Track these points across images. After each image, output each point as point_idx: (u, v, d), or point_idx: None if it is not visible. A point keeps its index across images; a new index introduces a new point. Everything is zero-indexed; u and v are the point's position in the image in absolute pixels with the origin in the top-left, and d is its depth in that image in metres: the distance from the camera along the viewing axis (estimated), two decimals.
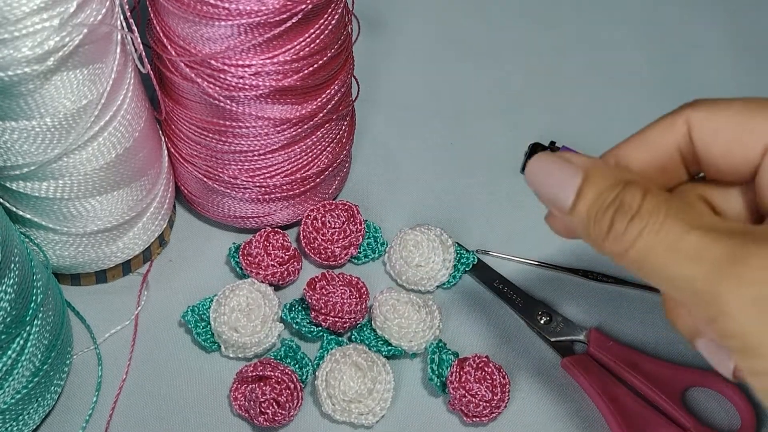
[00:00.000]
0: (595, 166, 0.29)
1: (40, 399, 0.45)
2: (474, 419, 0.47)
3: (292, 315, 0.50)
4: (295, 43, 0.45)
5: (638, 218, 0.27)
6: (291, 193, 0.52)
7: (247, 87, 0.45)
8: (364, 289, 0.50)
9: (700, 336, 0.30)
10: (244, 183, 0.51)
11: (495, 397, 0.47)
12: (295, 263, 0.52)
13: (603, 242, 0.28)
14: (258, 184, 0.51)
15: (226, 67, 0.45)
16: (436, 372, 0.48)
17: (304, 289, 0.50)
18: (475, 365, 0.48)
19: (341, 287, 0.50)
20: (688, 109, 0.30)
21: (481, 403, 0.46)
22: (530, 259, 0.55)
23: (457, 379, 0.47)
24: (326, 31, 0.46)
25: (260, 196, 0.52)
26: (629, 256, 0.27)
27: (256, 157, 0.50)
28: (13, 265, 0.40)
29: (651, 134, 0.31)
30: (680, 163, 0.31)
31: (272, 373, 0.46)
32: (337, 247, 0.53)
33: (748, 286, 0.24)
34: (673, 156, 0.31)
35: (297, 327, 0.50)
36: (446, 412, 0.48)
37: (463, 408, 0.47)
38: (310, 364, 0.49)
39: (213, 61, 0.45)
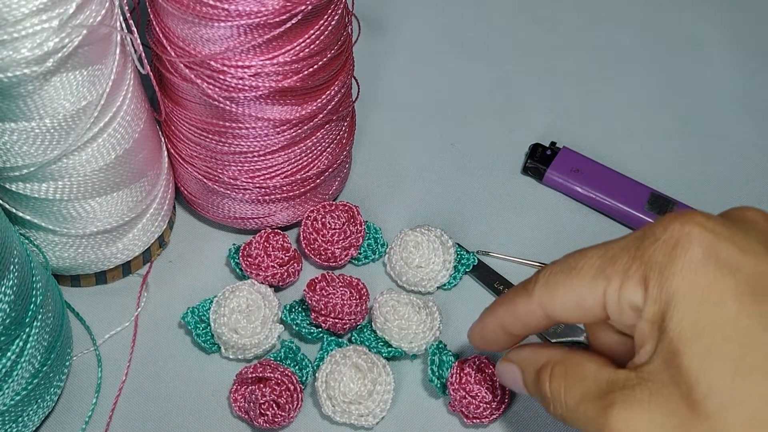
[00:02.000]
0: (522, 361, 0.39)
1: (39, 400, 0.45)
2: (474, 420, 0.47)
3: (292, 316, 0.50)
4: (295, 44, 0.45)
5: (555, 403, 0.35)
6: (291, 194, 0.52)
7: (246, 88, 0.45)
8: (365, 290, 0.50)
9: None
10: (244, 184, 0.51)
11: (495, 399, 0.47)
12: (295, 264, 0.52)
13: (559, 419, 0.35)
14: (258, 185, 0.51)
15: (225, 68, 0.45)
16: (437, 373, 0.48)
17: (304, 290, 0.50)
18: (475, 366, 0.47)
19: (341, 288, 0.50)
20: (536, 294, 0.36)
21: (481, 404, 0.46)
22: (530, 260, 0.54)
23: (457, 380, 0.47)
24: (326, 32, 0.46)
25: (260, 197, 0.52)
26: (557, 416, 0.35)
27: (256, 158, 0.50)
28: (12, 267, 0.40)
29: (516, 308, 0.38)
30: (544, 323, 0.37)
31: (272, 375, 0.46)
32: (337, 248, 0.53)
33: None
34: (537, 321, 0.37)
35: (297, 328, 0.50)
36: (446, 413, 0.48)
37: (463, 409, 0.47)
38: (310, 365, 0.49)
39: (213, 62, 0.45)
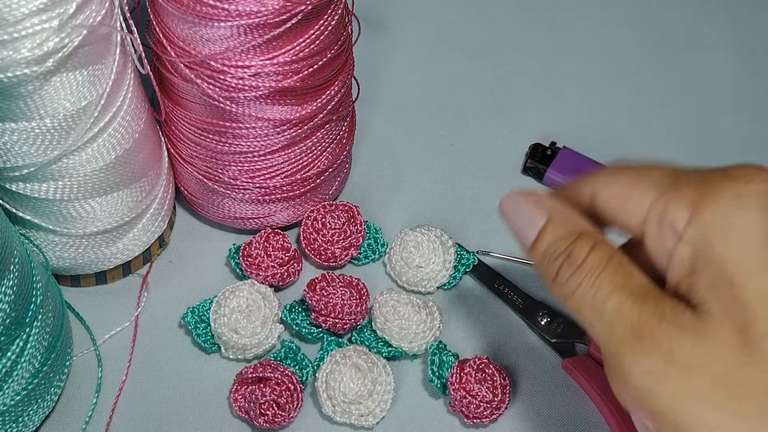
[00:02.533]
0: (557, 212, 0.33)
1: (39, 400, 0.45)
2: (474, 420, 0.47)
3: (292, 316, 0.50)
4: (295, 44, 0.45)
5: (578, 272, 0.31)
6: (291, 194, 0.52)
7: (246, 88, 0.45)
8: (365, 290, 0.50)
9: None
10: (244, 184, 0.51)
11: (495, 398, 0.47)
12: (295, 264, 0.52)
13: (549, 284, 0.32)
14: (258, 185, 0.51)
15: (225, 68, 0.45)
16: (437, 373, 0.48)
17: (304, 290, 0.50)
18: (475, 366, 0.47)
19: (341, 288, 0.50)
20: (593, 176, 0.34)
21: (481, 404, 0.46)
22: (531, 260, 0.54)
23: (457, 380, 0.47)
24: (326, 32, 0.46)
25: (260, 197, 0.52)
26: (567, 304, 0.31)
27: (256, 158, 0.50)
28: (12, 267, 0.40)
29: (579, 186, 0.34)
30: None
31: (272, 375, 0.46)
32: (338, 248, 0.53)
33: (644, 359, 0.28)
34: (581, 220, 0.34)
35: (297, 328, 0.50)
36: (447, 413, 0.48)
37: (463, 409, 0.47)
38: (310, 365, 0.49)
39: (212, 62, 0.45)
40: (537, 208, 0.33)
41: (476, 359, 0.48)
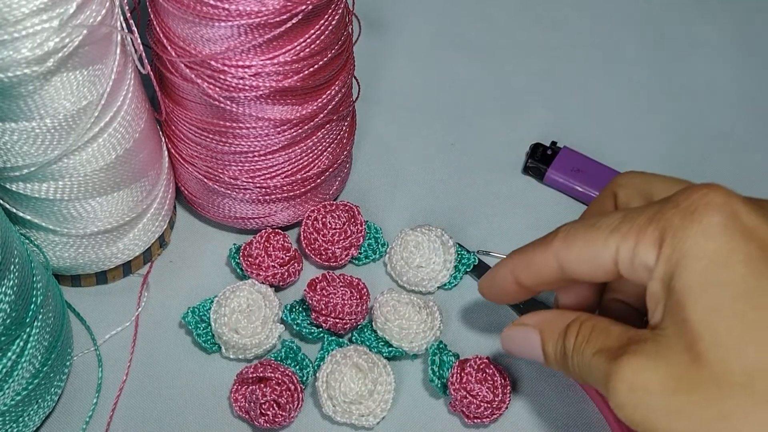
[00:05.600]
0: (544, 323, 0.38)
1: (40, 401, 0.45)
2: (475, 420, 0.47)
3: (292, 316, 0.50)
4: (296, 44, 0.45)
5: (575, 354, 0.36)
6: (291, 194, 0.52)
7: (247, 88, 0.45)
8: (365, 290, 0.50)
9: None
10: (245, 184, 0.51)
11: (496, 398, 0.47)
12: (296, 264, 0.52)
13: (577, 377, 0.36)
14: (258, 184, 0.51)
15: (226, 68, 0.45)
16: (437, 373, 0.48)
17: (305, 290, 0.50)
18: (476, 366, 0.47)
19: (342, 288, 0.50)
20: (554, 244, 0.37)
21: (482, 404, 0.46)
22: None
23: (458, 380, 0.47)
24: (327, 32, 0.46)
25: (261, 197, 0.52)
26: (584, 380, 0.36)
27: (256, 158, 0.50)
28: (13, 267, 0.40)
29: (534, 256, 0.38)
30: (558, 279, 0.38)
31: (273, 375, 0.46)
32: (338, 248, 0.53)
33: (614, 396, 0.33)
34: (551, 273, 0.38)
35: (297, 328, 0.50)
36: (447, 413, 0.48)
37: (464, 409, 0.47)
38: (310, 365, 0.49)
39: (213, 62, 0.45)
40: (528, 332, 0.39)
41: (477, 359, 0.48)
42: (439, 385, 0.48)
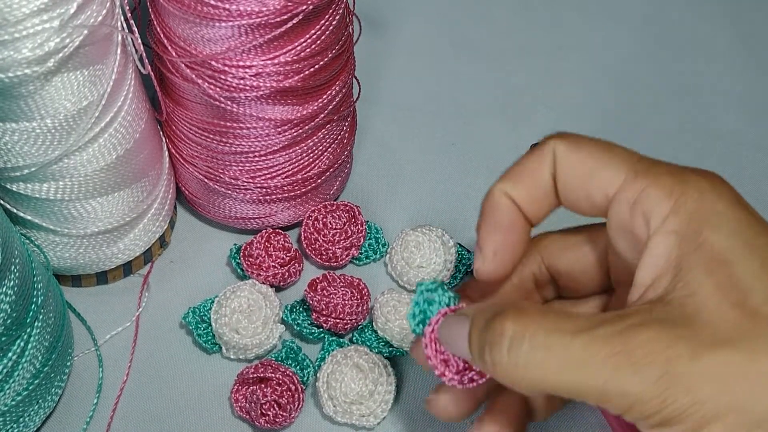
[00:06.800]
0: (477, 309, 0.31)
1: (40, 401, 0.45)
2: (471, 384, 0.36)
3: (293, 316, 0.50)
4: (296, 44, 0.45)
5: (513, 347, 0.28)
6: (292, 194, 0.52)
7: (247, 88, 0.45)
8: (366, 290, 0.50)
9: None
10: (245, 184, 0.51)
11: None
12: (296, 264, 0.52)
13: (499, 377, 0.29)
14: (259, 185, 0.51)
15: (226, 68, 0.45)
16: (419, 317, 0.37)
17: (305, 290, 0.50)
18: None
19: (342, 288, 0.50)
20: (553, 140, 0.33)
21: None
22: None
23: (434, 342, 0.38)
24: (327, 32, 0.46)
25: (261, 197, 0.52)
26: (524, 383, 0.29)
27: (257, 158, 0.50)
28: (13, 267, 0.40)
29: (526, 166, 0.34)
30: (552, 192, 0.33)
31: (273, 375, 0.46)
32: (338, 248, 0.53)
33: (644, 370, 0.27)
34: (547, 184, 0.33)
35: (298, 328, 0.50)
36: None
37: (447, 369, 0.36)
38: (311, 365, 0.49)
39: (214, 62, 0.45)
40: (461, 318, 0.32)
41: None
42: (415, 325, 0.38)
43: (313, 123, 0.49)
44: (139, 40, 0.45)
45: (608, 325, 0.28)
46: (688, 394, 0.27)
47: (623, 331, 0.28)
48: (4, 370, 0.41)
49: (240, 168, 0.50)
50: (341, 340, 0.50)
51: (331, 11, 0.45)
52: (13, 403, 0.43)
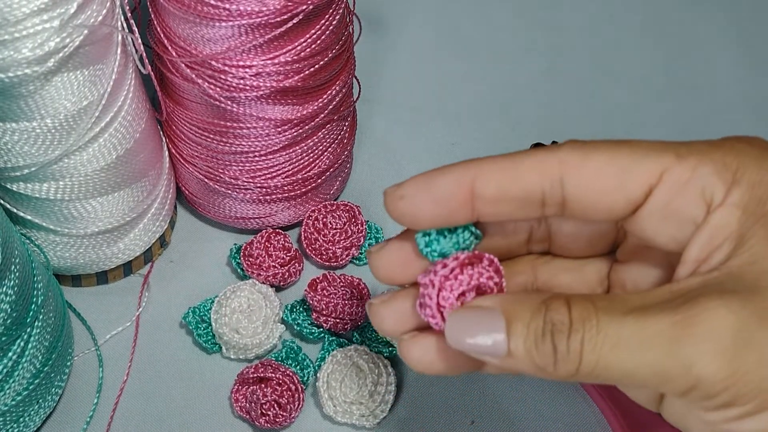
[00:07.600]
0: (511, 302, 0.28)
1: (40, 401, 0.45)
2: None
3: (293, 316, 0.50)
4: (296, 44, 0.45)
5: (574, 331, 0.26)
6: (292, 194, 0.52)
7: (247, 88, 0.45)
8: (366, 290, 0.50)
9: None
10: (245, 184, 0.51)
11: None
12: (297, 264, 0.52)
13: (554, 370, 0.27)
14: (259, 184, 0.51)
15: (226, 68, 0.45)
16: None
17: (305, 290, 0.50)
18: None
19: (342, 288, 0.50)
20: (563, 151, 0.29)
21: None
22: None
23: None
24: (327, 32, 0.46)
25: (261, 197, 0.52)
26: (582, 370, 0.27)
27: (257, 158, 0.50)
28: (13, 267, 0.40)
29: (522, 166, 0.30)
30: (539, 203, 0.30)
31: (273, 375, 0.46)
32: (339, 248, 0.53)
33: (706, 343, 0.25)
34: (536, 193, 0.30)
35: (298, 328, 0.50)
36: (449, 413, 0.48)
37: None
38: (311, 365, 0.49)
39: (214, 62, 0.45)
40: (487, 312, 0.28)
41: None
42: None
43: (313, 123, 0.49)
44: (139, 40, 0.45)
45: (664, 301, 0.26)
46: (761, 366, 0.25)
47: (682, 306, 0.26)
48: (4, 370, 0.41)
49: (240, 168, 0.50)
50: (341, 340, 0.50)
51: (331, 11, 0.45)
52: (13, 402, 0.43)
